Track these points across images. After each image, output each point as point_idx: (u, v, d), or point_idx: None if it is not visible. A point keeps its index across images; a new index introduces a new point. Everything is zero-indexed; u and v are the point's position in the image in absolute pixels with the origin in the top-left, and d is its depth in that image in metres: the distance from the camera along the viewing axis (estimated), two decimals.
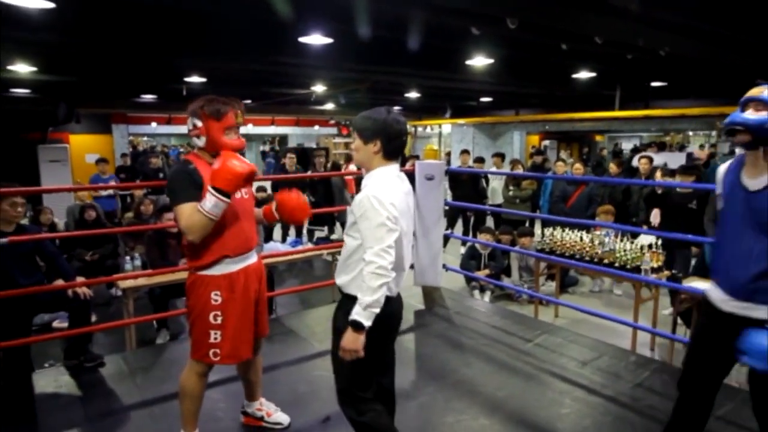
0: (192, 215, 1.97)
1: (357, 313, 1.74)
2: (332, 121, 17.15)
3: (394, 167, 1.93)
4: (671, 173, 6.20)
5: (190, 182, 2.01)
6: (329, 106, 13.21)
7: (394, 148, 1.90)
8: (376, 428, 1.95)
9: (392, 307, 1.92)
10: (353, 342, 1.76)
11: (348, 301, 1.86)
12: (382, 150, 1.87)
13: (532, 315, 4.87)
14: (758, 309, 1.79)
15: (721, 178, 2.00)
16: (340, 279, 1.93)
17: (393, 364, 2.14)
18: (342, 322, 1.83)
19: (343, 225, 7.97)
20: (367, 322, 1.74)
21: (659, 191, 5.33)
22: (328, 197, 7.78)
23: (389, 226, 1.76)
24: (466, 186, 7.61)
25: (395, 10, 4.07)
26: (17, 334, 2.98)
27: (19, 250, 3.13)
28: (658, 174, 6.31)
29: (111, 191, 8.47)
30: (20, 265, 3.14)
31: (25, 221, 5.77)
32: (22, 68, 6.42)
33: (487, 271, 5.85)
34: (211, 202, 1.95)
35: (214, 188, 1.95)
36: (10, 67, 6.35)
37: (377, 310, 1.75)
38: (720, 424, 2.48)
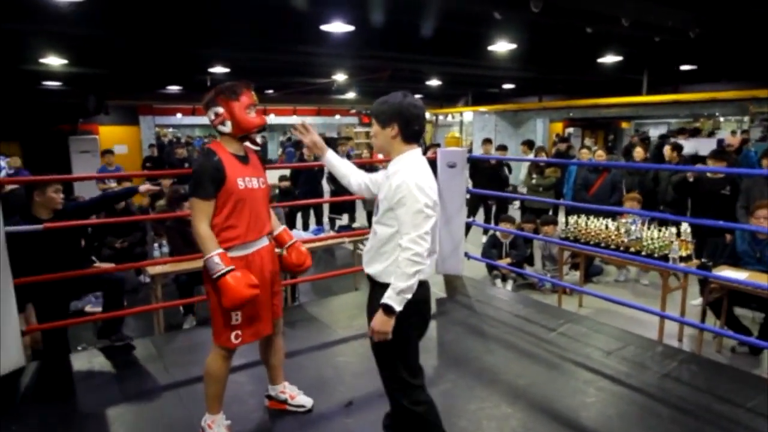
0: (200, 222, 2.07)
1: (389, 297, 1.75)
2: (353, 111, 17.13)
3: (417, 151, 1.91)
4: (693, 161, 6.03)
5: (211, 178, 2.07)
6: (350, 95, 13.19)
7: (413, 132, 1.88)
8: (430, 420, 1.94)
9: (426, 291, 1.93)
10: (384, 324, 1.77)
11: (382, 290, 1.82)
12: (400, 134, 1.86)
13: (555, 304, 4.82)
14: None
15: None
16: (373, 268, 1.90)
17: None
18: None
19: (368, 214, 8.07)
20: (399, 307, 1.75)
21: (690, 178, 5.18)
22: None
23: (427, 213, 1.76)
24: (487, 174, 7.54)
25: None
26: (56, 317, 3.12)
27: (59, 233, 3.24)
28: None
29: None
30: (62, 248, 3.27)
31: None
32: (54, 61, 6.59)
33: (509, 260, 5.80)
34: (213, 260, 2.03)
35: (221, 262, 2.03)
36: (42, 60, 6.52)
37: (410, 296, 1.76)
38: (750, 416, 2.43)
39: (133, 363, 3.07)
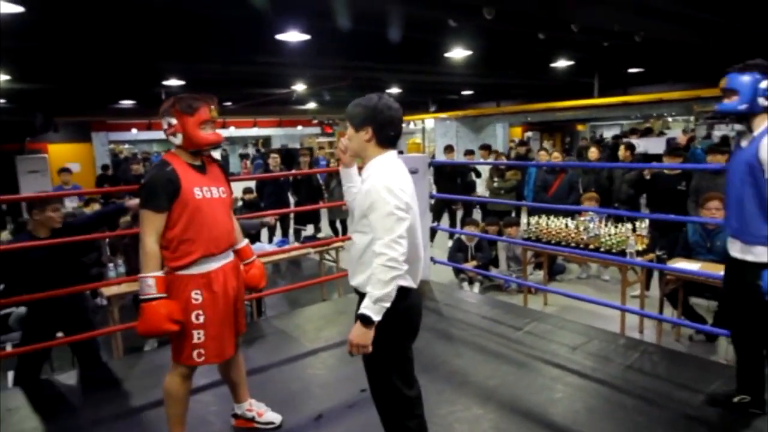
0: (148, 236, 2.02)
1: (366, 307, 1.66)
2: (315, 121, 17.07)
3: (392, 154, 1.84)
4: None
5: (164, 189, 2.01)
6: (311, 105, 13.15)
7: (388, 136, 1.81)
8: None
9: (413, 299, 1.83)
10: (362, 336, 1.68)
11: None
12: (374, 137, 1.79)
13: (521, 304, 4.89)
14: None
15: None
16: (356, 279, 1.83)
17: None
18: None
19: (332, 223, 8.01)
20: (377, 317, 1.66)
21: (647, 176, 5.35)
22: (312, 196, 7.75)
23: (398, 215, 1.68)
24: (450, 180, 7.63)
25: (372, 4, 4.05)
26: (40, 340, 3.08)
27: (59, 254, 3.20)
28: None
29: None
30: (59, 269, 3.20)
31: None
32: None
33: (474, 263, 5.86)
34: (146, 282, 1.99)
35: (154, 285, 1.98)
36: None
37: (388, 305, 1.67)
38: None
39: (91, 390, 2.92)
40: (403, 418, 1.83)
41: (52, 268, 3.14)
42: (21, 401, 2.78)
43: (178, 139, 2.08)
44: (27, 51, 5.26)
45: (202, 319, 2.07)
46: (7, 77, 6.36)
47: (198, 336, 2.07)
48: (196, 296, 2.06)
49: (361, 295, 1.79)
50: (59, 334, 3.31)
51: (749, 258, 2.19)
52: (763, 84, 2.16)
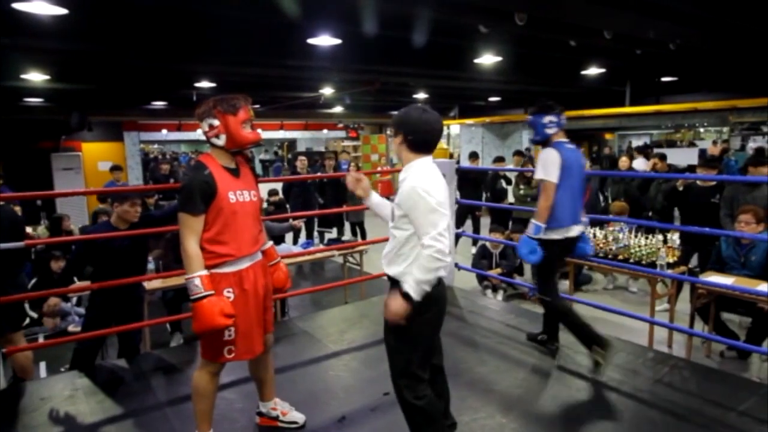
0: (189, 239, 2.04)
1: (410, 287, 1.84)
2: (341, 125, 17.16)
3: (426, 159, 1.98)
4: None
5: (201, 192, 2.04)
6: (338, 109, 13.23)
7: (420, 141, 1.95)
8: (431, 413, 2.00)
9: (443, 289, 2.02)
10: (400, 307, 1.86)
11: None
12: (405, 142, 1.95)
13: None
14: None
15: None
16: (392, 270, 1.97)
17: (440, 346, 2.20)
18: None
19: (353, 226, 8.05)
20: (416, 297, 1.85)
21: (680, 187, 5.22)
22: (337, 199, 7.80)
23: (441, 211, 1.85)
24: (474, 186, 7.58)
25: (403, 9, 4.06)
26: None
27: (134, 245, 3.43)
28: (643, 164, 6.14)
29: None
30: (129, 261, 3.41)
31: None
32: (36, 77, 6.51)
33: (499, 270, 5.80)
34: (193, 282, 2.00)
35: (201, 285, 2.00)
36: (24, 76, 6.44)
37: (428, 289, 1.87)
38: (742, 419, 2.43)
39: (119, 382, 2.99)
40: (413, 399, 1.97)
41: (130, 258, 3.38)
42: (51, 391, 2.87)
43: (221, 140, 2.11)
44: (68, 52, 5.43)
45: None
46: (47, 77, 6.58)
47: (228, 333, 2.10)
48: (228, 294, 2.09)
49: (394, 283, 1.96)
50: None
51: None
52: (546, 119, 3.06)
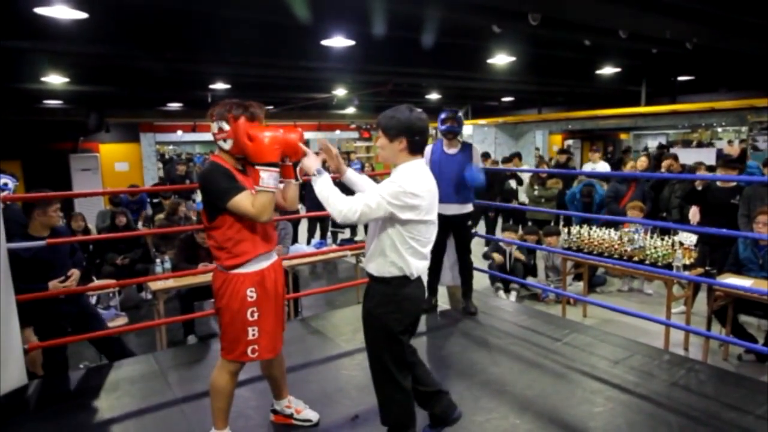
0: (256, 198, 2.02)
1: (319, 172, 2.02)
2: (353, 125, 17.21)
3: (420, 161, 2.02)
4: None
5: (229, 178, 2.07)
6: (350, 110, 13.27)
7: (418, 144, 2.00)
8: (405, 411, 2.07)
9: (411, 289, 2.02)
10: (309, 159, 2.09)
11: (379, 285, 2.02)
12: (407, 147, 1.98)
13: (559, 315, 4.79)
14: None
15: None
16: (370, 266, 2.04)
17: (416, 353, 2.25)
18: (371, 304, 2.03)
19: (366, 226, 8.04)
20: (317, 175, 2.02)
21: (699, 187, 5.14)
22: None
23: (385, 205, 1.88)
24: (487, 187, 7.53)
25: (416, 10, 4.07)
26: (52, 334, 3.10)
27: (56, 253, 3.26)
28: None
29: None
30: (58, 267, 3.25)
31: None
32: (56, 79, 6.63)
33: (521, 257, 5.82)
34: (267, 176, 2.01)
35: (261, 164, 2.01)
36: (44, 79, 6.56)
37: (320, 188, 1.99)
38: (759, 423, 2.40)
39: (136, 379, 3.04)
40: (391, 392, 2.07)
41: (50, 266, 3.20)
42: (70, 387, 2.93)
43: (227, 144, 2.13)
44: (87, 55, 5.52)
45: (256, 315, 2.13)
46: (66, 80, 6.70)
47: (253, 333, 2.13)
48: (251, 294, 2.12)
49: (372, 278, 2.04)
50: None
51: None
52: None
